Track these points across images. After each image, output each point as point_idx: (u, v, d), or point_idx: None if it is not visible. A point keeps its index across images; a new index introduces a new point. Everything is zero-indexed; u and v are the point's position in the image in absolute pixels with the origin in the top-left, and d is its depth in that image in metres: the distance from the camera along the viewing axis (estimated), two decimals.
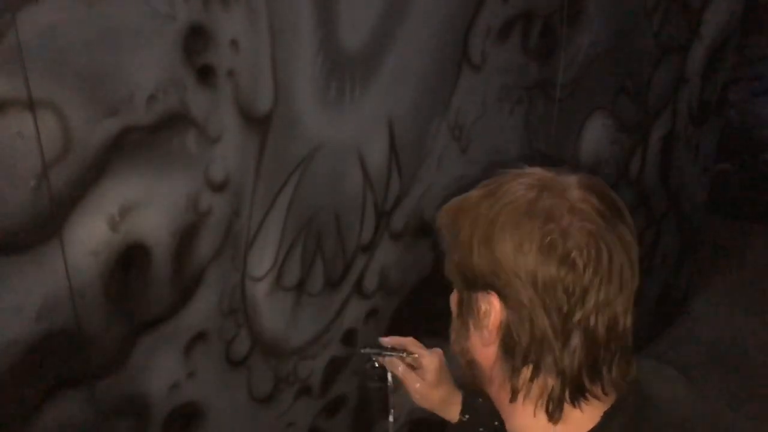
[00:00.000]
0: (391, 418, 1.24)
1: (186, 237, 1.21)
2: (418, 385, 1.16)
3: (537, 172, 0.79)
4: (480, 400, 1.14)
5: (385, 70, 1.44)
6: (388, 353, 1.19)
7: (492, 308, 0.76)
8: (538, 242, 0.71)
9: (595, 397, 0.75)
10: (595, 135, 2.19)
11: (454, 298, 0.86)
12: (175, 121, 1.13)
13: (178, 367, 1.28)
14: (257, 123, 1.25)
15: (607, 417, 0.76)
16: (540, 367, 0.74)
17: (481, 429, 1.16)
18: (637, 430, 0.76)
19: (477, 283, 0.77)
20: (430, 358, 1.16)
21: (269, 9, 1.20)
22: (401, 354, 1.18)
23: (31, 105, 0.95)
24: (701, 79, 2.63)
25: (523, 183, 0.76)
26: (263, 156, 1.28)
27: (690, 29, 2.47)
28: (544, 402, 0.75)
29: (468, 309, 0.80)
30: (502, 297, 0.75)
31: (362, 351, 1.21)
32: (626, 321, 0.73)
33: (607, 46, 2.07)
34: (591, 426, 0.75)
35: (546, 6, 1.79)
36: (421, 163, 1.61)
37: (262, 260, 1.36)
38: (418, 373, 1.17)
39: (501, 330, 0.76)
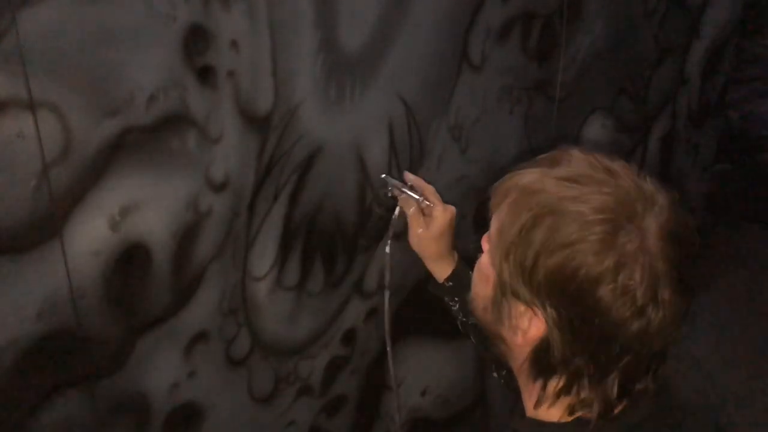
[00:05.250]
0: (387, 249, 1.29)
1: (186, 237, 1.21)
2: (420, 230, 1.19)
3: (619, 179, 0.71)
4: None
5: (385, 70, 1.44)
6: (407, 190, 1.20)
7: (534, 327, 0.72)
8: (614, 290, 0.67)
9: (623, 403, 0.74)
10: (595, 135, 2.19)
11: (487, 264, 0.79)
12: (176, 121, 1.13)
13: (178, 367, 1.28)
14: (257, 123, 1.25)
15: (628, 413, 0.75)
16: (572, 387, 0.73)
17: (456, 299, 1.18)
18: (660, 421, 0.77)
19: (524, 298, 0.72)
20: (442, 211, 1.18)
21: (269, 9, 1.20)
22: (419, 197, 1.19)
23: (31, 105, 0.95)
24: (701, 79, 2.63)
25: (602, 200, 0.69)
26: (263, 156, 1.28)
27: (690, 29, 2.47)
28: (571, 408, 0.74)
29: (503, 305, 0.76)
30: (549, 324, 0.71)
31: (383, 176, 1.25)
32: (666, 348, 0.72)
33: (607, 46, 2.07)
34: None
35: (546, 6, 1.79)
36: (421, 163, 1.61)
37: (263, 260, 1.36)
38: (426, 220, 1.19)
39: (538, 341, 0.73)
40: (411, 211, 1.20)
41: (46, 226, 1.02)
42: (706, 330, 3.08)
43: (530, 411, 0.80)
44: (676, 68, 2.48)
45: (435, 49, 1.54)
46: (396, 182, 1.21)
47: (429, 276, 1.24)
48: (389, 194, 1.23)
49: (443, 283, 1.21)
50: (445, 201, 1.24)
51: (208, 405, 1.36)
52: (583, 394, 0.72)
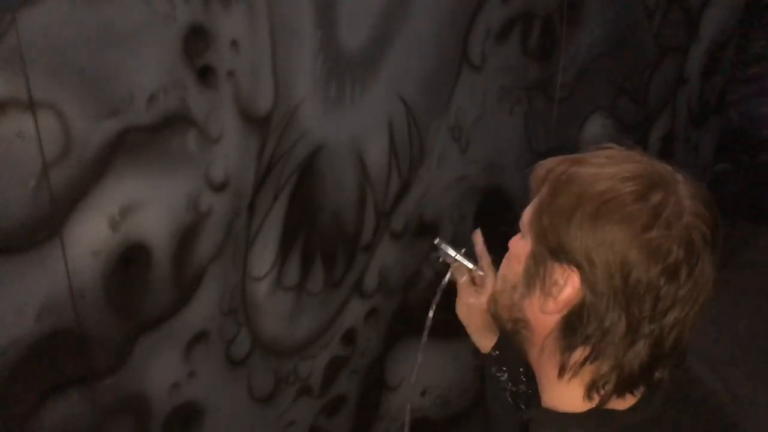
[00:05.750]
0: (430, 314, 1.23)
1: (186, 237, 1.21)
2: (472, 299, 1.16)
3: (644, 158, 0.77)
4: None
5: (385, 70, 1.44)
6: (461, 257, 1.17)
7: (569, 286, 0.74)
8: (650, 242, 0.69)
9: (639, 389, 0.76)
10: (595, 135, 2.19)
11: (520, 245, 0.82)
12: (176, 121, 1.13)
13: (178, 367, 1.28)
14: (257, 123, 1.25)
15: (645, 401, 0.77)
16: (598, 355, 0.74)
17: (504, 368, 1.16)
18: (675, 416, 0.78)
19: (561, 254, 0.74)
20: (494, 282, 1.12)
21: (269, 9, 1.20)
22: (472, 266, 1.16)
23: (31, 105, 0.95)
24: (701, 79, 2.63)
25: (634, 167, 0.74)
26: (263, 156, 1.28)
27: (689, 29, 2.47)
28: (590, 384, 0.75)
29: (538, 271, 0.77)
30: (585, 278, 0.72)
31: (437, 242, 1.19)
32: (689, 335, 0.73)
33: (607, 46, 2.07)
34: (624, 407, 0.77)
35: (546, 6, 1.79)
36: (421, 163, 1.61)
37: (263, 260, 1.36)
38: (477, 290, 1.16)
39: (569, 307, 0.75)
40: (463, 279, 1.17)
41: (46, 226, 1.02)
42: (706, 328, 3.08)
43: (547, 399, 0.81)
44: (676, 68, 2.48)
45: (435, 49, 1.54)
46: (449, 249, 1.18)
47: (474, 348, 1.22)
48: (440, 260, 1.19)
49: (489, 353, 1.19)
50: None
51: (208, 405, 1.36)
52: (605, 368, 0.74)
